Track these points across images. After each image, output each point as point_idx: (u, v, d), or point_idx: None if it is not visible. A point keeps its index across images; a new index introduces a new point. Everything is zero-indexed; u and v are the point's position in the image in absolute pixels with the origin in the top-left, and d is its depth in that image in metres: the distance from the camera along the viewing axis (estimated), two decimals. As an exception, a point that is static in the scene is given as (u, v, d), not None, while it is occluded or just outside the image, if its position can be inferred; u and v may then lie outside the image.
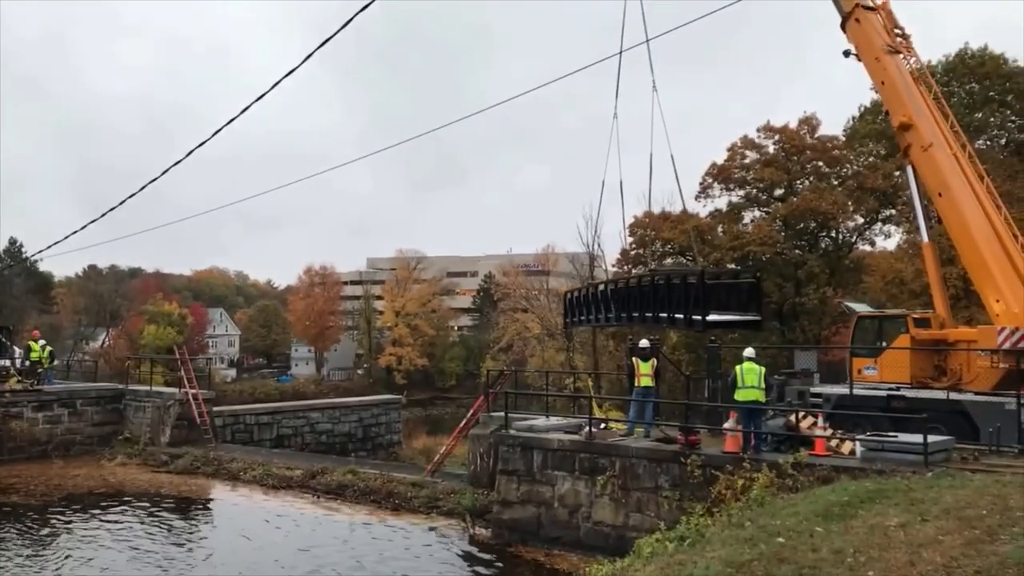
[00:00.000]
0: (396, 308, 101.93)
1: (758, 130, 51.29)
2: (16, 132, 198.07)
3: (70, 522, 20.03)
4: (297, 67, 12.21)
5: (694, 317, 17.59)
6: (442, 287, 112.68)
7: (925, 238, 22.43)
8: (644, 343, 18.53)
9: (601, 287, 22.80)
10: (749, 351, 16.38)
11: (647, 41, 19.62)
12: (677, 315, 18.13)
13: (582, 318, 23.60)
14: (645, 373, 18.14)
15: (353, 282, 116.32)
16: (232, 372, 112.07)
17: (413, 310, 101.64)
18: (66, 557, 16.87)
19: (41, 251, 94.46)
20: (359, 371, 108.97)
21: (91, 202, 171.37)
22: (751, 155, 51.37)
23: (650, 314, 19.28)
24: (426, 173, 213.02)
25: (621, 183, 21.96)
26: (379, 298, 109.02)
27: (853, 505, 10.43)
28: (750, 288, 18.70)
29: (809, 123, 50.43)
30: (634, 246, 52.62)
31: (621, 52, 19.96)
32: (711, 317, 17.67)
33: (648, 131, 20.66)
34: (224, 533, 19.76)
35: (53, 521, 20.20)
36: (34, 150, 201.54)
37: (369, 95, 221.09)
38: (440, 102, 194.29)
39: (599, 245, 55.48)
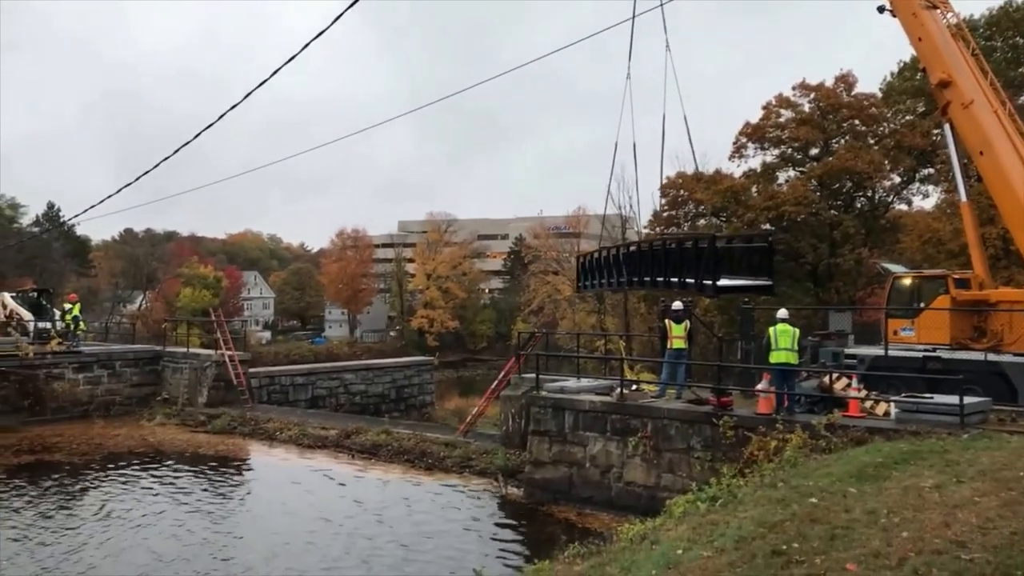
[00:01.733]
0: (427, 271, 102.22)
1: (793, 88, 50.31)
2: (62, 96, 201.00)
3: (110, 479, 20.51)
4: (326, 29, 12.14)
5: (705, 282, 17.46)
6: (473, 250, 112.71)
7: (964, 197, 21.96)
8: (677, 305, 18.43)
9: (613, 251, 22.65)
10: (783, 312, 16.26)
11: (661, 5, 19.57)
12: (688, 279, 18.00)
13: (594, 282, 23.52)
14: (678, 335, 18.08)
15: (385, 245, 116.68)
16: (267, 334, 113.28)
17: (444, 273, 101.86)
18: (107, 513, 17.30)
19: (78, 215, 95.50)
20: (391, 333, 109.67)
21: (129, 167, 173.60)
22: (786, 114, 50.44)
23: (661, 278, 19.19)
24: (461, 137, 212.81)
25: (635, 145, 22.06)
26: (410, 261, 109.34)
27: (887, 466, 10.37)
28: (763, 252, 18.45)
29: (845, 80, 49.34)
30: (666, 207, 52.13)
31: (634, 17, 19.81)
32: (722, 282, 17.51)
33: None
34: (261, 491, 20.13)
35: (94, 478, 20.72)
36: (77, 114, 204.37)
37: (410, 62, 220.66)
38: (479, 66, 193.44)
39: (632, 206, 54.94)
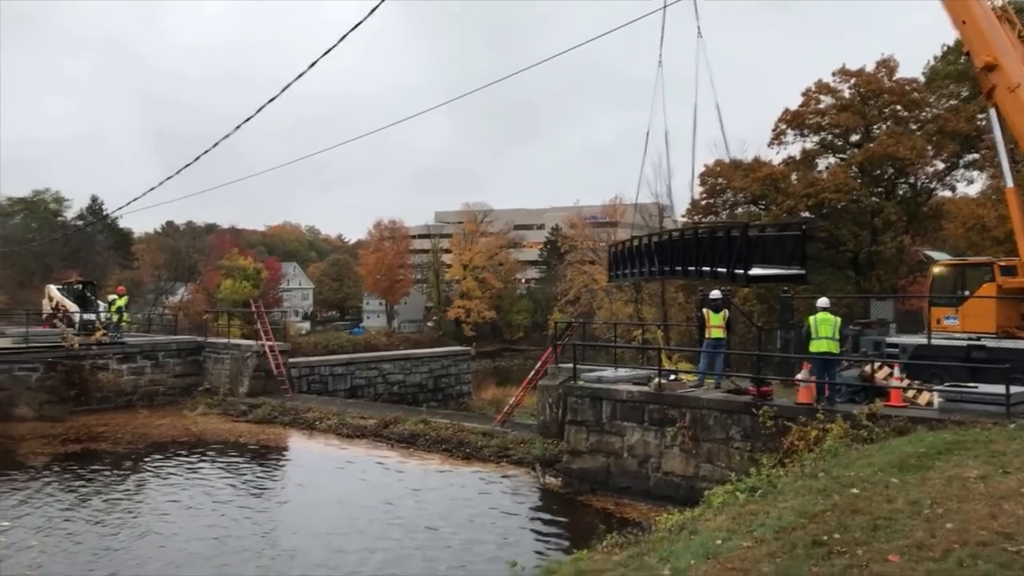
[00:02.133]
0: (464, 261, 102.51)
1: (833, 74, 49.55)
2: (103, 94, 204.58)
3: (155, 467, 20.89)
4: (363, 20, 12.23)
5: (737, 271, 17.31)
6: (509, 240, 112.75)
7: (1010, 183, 21.46)
8: (715, 294, 18.31)
9: (645, 240, 22.52)
10: (823, 301, 16.08)
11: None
12: (720, 268, 17.86)
13: (626, 271, 23.41)
14: (716, 324, 17.96)
15: (421, 236, 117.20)
16: (306, 325, 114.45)
17: (480, 263, 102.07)
18: (156, 499, 17.65)
19: (121, 208, 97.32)
20: (428, 323, 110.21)
21: (170, 161, 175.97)
22: (826, 100, 49.72)
23: (693, 267, 19.07)
24: (497, 127, 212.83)
25: (666, 133, 22.05)
26: (447, 251, 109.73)
27: (930, 456, 10.23)
28: (795, 241, 18.25)
29: (887, 65, 48.47)
30: (704, 196, 51.74)
31: (665, 6, 19.69)
32: (754, 271, 17.36)
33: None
34: (302, 479, 20.42)
35: (139, 466, 21.12)
36: (118, 110, 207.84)
37: (448, 52, 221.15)
38: (517, 55, 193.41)
39: (668, 195, 54.68)
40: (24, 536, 14.89)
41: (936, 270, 22.84)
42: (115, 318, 32.21)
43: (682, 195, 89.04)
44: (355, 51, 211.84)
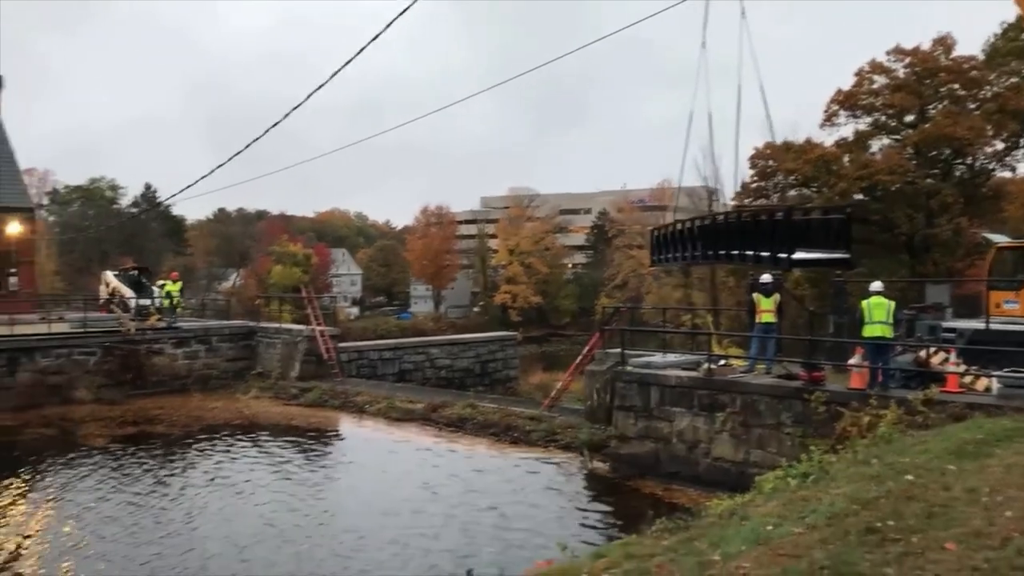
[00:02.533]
0: (510, 246, 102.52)
1: (888, 53, 48.50)
2: (159, 82, 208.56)
3: (211, 449, 21.34)
4: (411, 5, 12.23)
5: (780, 255, 17.07)
6: (555, 225, 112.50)
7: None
8: (766, 278, 18.05)
9: (688, 224, 22.30)
10: (877, 285, 15.79)
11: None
12: (763, 253, 17.63)
13: (669, 256, 23.20)
14: (767, 309, 17.74)
15: (467, 221, 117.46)
16: (355, 310, 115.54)
17: (527, 248, 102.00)
18: (212, 480, 18.05)
19: (174, 195, 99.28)
20: (475, 309, 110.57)
21: (222, 148, 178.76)
22: (880, 80, 48.69)
23: (736, 252, 18.84)
24: (544, 111, 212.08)
25: (710, 116, 21.70)
26: (493, 236, 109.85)
27: (988, 443, 10.00)
28: (840, 225, 17.90)
29: (944, 43, 47.26)
30: (755, 178, 51.08)
31: None
32: (797, 255, 17.10)
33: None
34: (354, 460, 20.74)
35: (195, 448, 21.59)
36: (172, 99, 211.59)
37: (492, 38, 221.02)
38: (561, 39, 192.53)
39: (716, 178, 53.98)
40: (89, 516, 15.34)
41: (995, 253, 22.25)
42: (166, 303, 32.81)
43: (733, 178, 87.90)
44: (403, 34, 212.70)
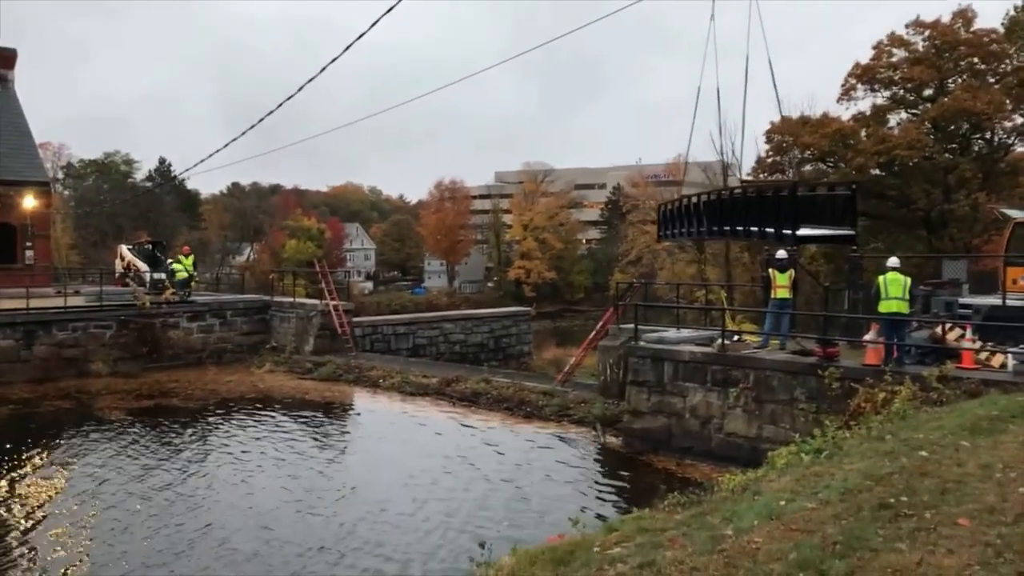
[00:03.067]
0: (524, 221, 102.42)
1: (906, 26, 47.80)
2: (170, 57, 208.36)
3: (227, 422, 21.51)
4: (424, -22, 12.14)
5: (785, 231, 17.00)
6: (569, 200, 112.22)
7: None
8: (781, 253, 17.97)
9: (694, 199, 22.22)
10: (893, 260, 15.69)
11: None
12: (768, 229, 17.57)
13: (675, 231, 23.16)
14: (782, 284, 17.66)
15: (482, 196, 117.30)
16: (369, 285, 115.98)
17: (541, 223, 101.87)
18: (230, 453, 18.20)
19: (188, 169, 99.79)
20: (489, 284, 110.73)
21: (236, 122, 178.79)
22: (898, 53, 48.04)
23: (742, 227, 18.80)
24: (559, 86, 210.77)
25: (718, 90, 21.64)
26: (507, 212, 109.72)
27: (1003, 420, 9.95)
28: (846, 202, 17.81)
29: (964, 16, 46.53)
30: (771, 153, 50.67)
31: None
32: (802, 232, 17.03)
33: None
34: (370, 433, 20.88)
35: (211, 421, 21.76)
36: (185, 74, 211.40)
37: (507, 12, 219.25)
38: (577, 12, 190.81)
39: (732, 153, 53.55)
40: (107, 489, 15.51)
41: (1013, 229, 22.03)
42: (182, 275, 32.81)
43: (749, 152, 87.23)
44: (417, 7, 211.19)
